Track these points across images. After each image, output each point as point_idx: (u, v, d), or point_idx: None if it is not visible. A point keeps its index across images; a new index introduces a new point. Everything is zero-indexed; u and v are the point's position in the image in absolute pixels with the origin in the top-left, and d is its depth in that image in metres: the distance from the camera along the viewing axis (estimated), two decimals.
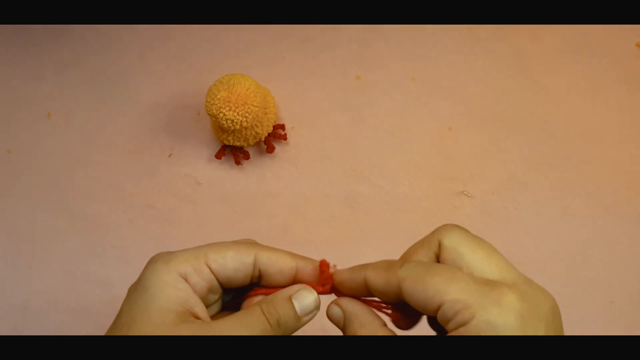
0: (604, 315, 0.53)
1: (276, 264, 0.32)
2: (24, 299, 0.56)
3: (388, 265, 0.31)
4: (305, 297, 0.32)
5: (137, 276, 0.33)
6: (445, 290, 0.28)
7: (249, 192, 0.57)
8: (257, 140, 0.56)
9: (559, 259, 0.54)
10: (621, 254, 0.54)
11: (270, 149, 0.57)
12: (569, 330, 0.53)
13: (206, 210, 0.57)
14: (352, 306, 0.33)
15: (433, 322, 0.32)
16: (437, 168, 0.57)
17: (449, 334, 0.27)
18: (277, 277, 0.33)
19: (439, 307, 0.28)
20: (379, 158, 0.57)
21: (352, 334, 0.31)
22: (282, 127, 0.58)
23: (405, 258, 0.32)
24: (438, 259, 0.31)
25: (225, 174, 0.58)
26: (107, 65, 0.61)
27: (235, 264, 0.32)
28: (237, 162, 0.57)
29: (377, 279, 0.31)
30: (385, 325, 0.31)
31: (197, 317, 0.31)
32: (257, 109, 0.52)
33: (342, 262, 0.56)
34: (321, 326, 0.53)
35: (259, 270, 0.33)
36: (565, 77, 0.58)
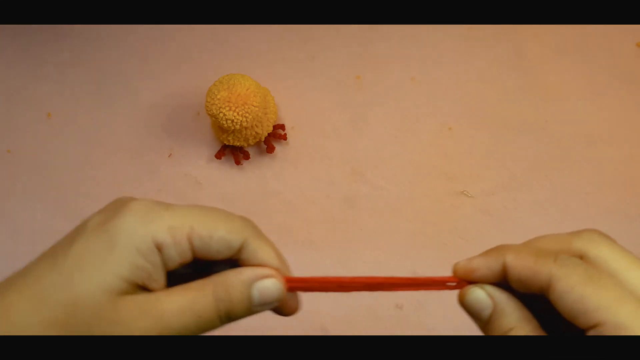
0: None
1: (258, 259, 0.29)
2: None
3: (537, 253, 0.26)
4: (269, 289, 0.28)
5: None
6: (613, 311, 0.24)
7: (249, 192, 0.57)
8: (257, 140, 0.56)
9: None
10: None
11: (270, 149, 0.57)
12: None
13: None
14: (504, 297, 0.27)
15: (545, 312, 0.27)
16: (437, 168, 0.57)
17: None
18: None
19: (595, 325, 0.24)
20: (379, 158, 0.57)
21: (497, 330, 0.27)
22: (282, 127, 0.58)
23: (540, 248, 0.28)
24: None
25: (225, 174, 0.58)
26: (107, 65, 0.61)
27: (220, 246, 0.28)
28: (237, 162, 0.57)
29: (522, 268, 0.26)
30: (540, 327, 0.27)
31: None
32: (257, 109, 0.52)
33: (342, 262, 0.57)
34: (321, 326, 0.53)
35: (239, 258, 0.29)
36: (565, 77, 0.58)
